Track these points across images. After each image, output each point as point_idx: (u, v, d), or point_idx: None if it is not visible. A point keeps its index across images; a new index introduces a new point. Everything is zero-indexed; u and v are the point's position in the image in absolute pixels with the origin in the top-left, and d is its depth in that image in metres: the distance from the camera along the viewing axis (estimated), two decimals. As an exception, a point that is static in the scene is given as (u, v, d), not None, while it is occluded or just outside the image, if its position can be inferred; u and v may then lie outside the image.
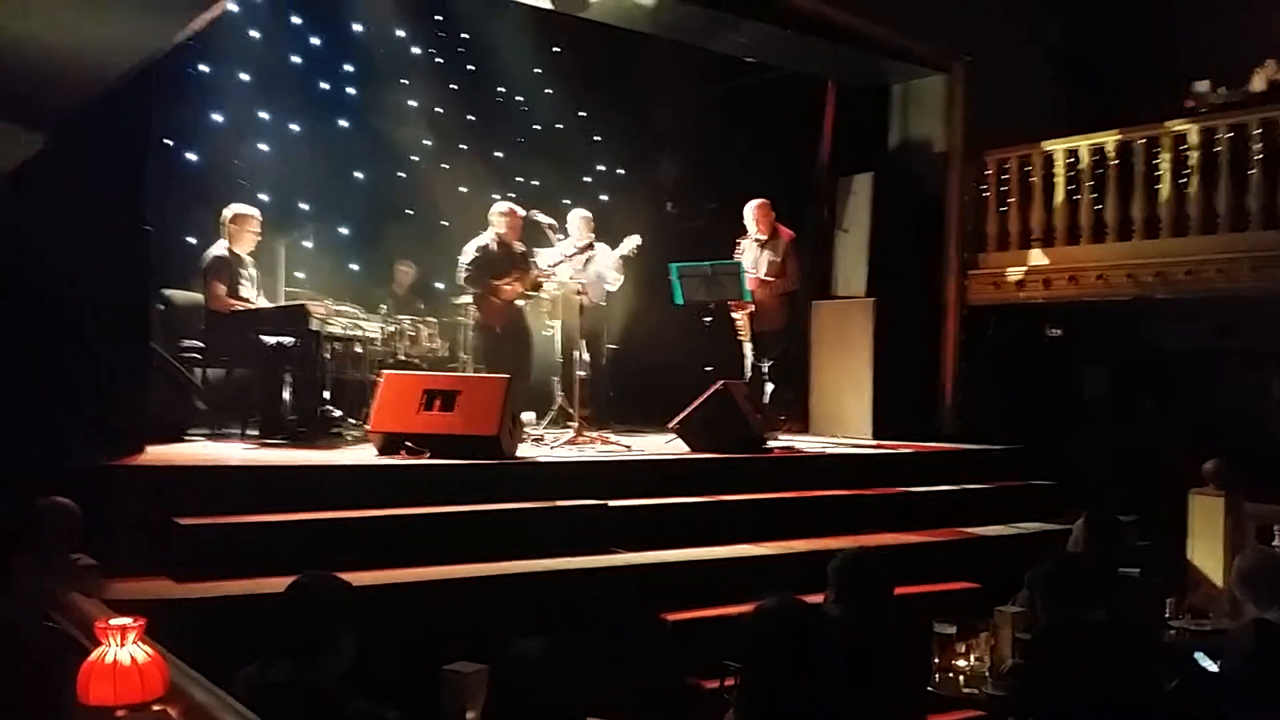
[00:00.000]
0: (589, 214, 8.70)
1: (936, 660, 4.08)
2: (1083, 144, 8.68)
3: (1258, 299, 7.80)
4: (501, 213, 8.04)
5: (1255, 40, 8.97)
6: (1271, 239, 7.57)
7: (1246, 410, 8.52)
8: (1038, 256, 8.93)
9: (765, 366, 8.37)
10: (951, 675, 4.06)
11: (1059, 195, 8.80)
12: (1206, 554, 6.78)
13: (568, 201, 9.68)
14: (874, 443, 8.67)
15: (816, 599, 3.82)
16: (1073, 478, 8.19)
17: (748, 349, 8.41)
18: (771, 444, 7.62)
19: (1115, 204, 8.42)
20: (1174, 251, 8.06)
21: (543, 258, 8.26)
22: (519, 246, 8.10)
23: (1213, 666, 4.06)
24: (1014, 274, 9.02)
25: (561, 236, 8.15)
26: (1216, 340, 8.98)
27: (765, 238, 8.40)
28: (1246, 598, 4.04)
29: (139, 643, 2.73)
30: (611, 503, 5.86)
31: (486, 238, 8.00)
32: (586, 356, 8.34)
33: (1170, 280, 8.04)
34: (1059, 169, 8.82)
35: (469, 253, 7.95)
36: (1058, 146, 8.85)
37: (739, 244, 8.47)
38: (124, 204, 5.48)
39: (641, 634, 5.01)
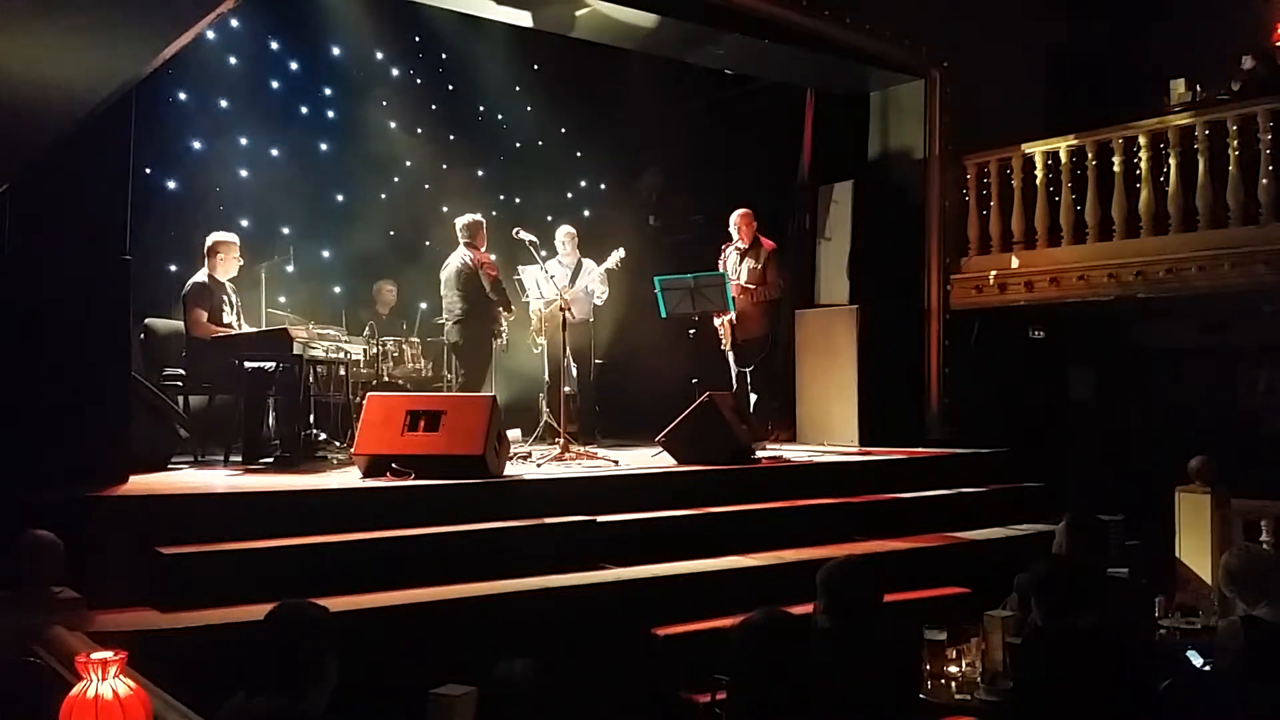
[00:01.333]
0: (574, 230, 8.73)
1: (928, 667, 4.07)
2: (1062, 145, 8.72)
3: (1239, 295, 7.83)
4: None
5: (1232, 39, 9.04)
6: (1251, 235, 7.60)
7: (1231, 406, 8.55)
8: (1019, 259, 8.96)
9: (749, 375, 8.39)
10: (943, 682, 4.05)
11: (1039, 197, 8.84)
12: (1194, 551, 6.78)
13: (550, 218, 9.71)
14: (861, 450, 8.68)
15: (807, 609, 3.81)
16: (1060, 479, 8.20)
17: (730, 358, 8.44)
18: (759, 454, 7.62)
19: (1095, 205, 8.45)
20: (1154, 250, 8.09)
21: (526, 275, 8.29)
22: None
23: (1204, 664, 4.06)
24: (996, 277, 9.04)
25: (545, 253, 8.16)
26: (1200, 337, 9.01)
27: (747, 246, 8.46)
28: (1235, 595, 4.05)
29: (120, 676, 2.71)
30: (599, 518, 5.85)
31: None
32: (575, 372, 8.37)
33: (1151, 279, 8.06)
34: (1039, 171, 8.86)
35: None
36: (1037, 149, 8.89)
37: (724, 250, 8.51)
38: (105, 233, 5.46)
39: (631, 649, 5.00)
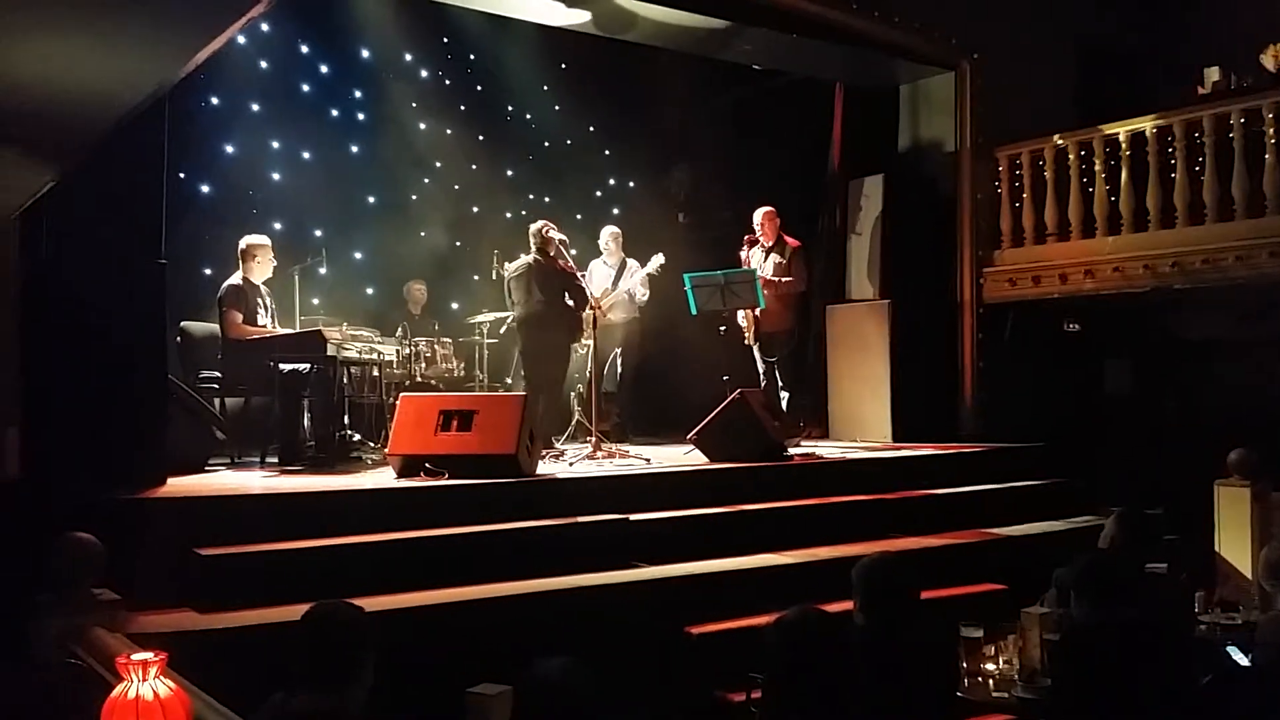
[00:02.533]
0: (618, 230, 8.73)
1: (965, 664, 4.04)
2: (1095, 136, 8.63)
3: (1277, 284, 7.71)
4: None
5: (1266, 24, 8.90)
6: (1288, 224, 7.49)
7: (1270, 398, 8.41)
8: (1053, 251, 8.88)
9: (775, 369, 8.36)
10: (980, 679, 4.02)
11: (1072, 189, 8.74)
12: (1234, 545, 6.70)
13: (580, 216, 9.72)
14: (895, 446, 8.64)
15: (842, 607, 3.79)
16: (1097, 473, 8.12)
17: (755, 351, 8.41)
18: (791, 451, 7.59)
19: (1129, 195, 8.36)
20: (1190, 240, 7.98)
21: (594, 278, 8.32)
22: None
23: (1245, 660, 4.01)
24: (1029, 270, 8.96)
25: (575, 252, 8.16)
26: (1238, 328, 8.89)
27: (771, 244, 8.43)
28: (1275, 589, 4.00)
29: (161, 677, 2.74)
30: (632, 517, 5.85)
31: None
32: (620, 369, 8.38)
33: (1188, 269, 7.96)
34: (1071, 163, 8.76)
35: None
36: (1069, 140, 8.79)
37: (746, 247, 8.46)
38: (140, 237, 5.52)
39: (666, 648, 5.00)
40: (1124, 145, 8.40)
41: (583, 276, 7.84)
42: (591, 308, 7.70)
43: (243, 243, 7.10)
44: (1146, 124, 8.30)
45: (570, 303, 7.66)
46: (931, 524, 6.75)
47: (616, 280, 8.54)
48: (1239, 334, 8.88)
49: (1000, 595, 5.77)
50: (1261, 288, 7.77)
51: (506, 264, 7.95)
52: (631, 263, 8.69)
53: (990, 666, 4.06)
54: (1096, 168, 8.61)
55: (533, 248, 7.74)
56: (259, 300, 7.05)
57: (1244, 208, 7.74)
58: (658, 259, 8.46)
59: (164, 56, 3.67)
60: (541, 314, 7.66)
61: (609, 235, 8.72)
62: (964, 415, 9.24)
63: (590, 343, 8.25)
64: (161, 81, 4.12)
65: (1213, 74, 8.99)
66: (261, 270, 7.09)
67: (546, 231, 7.68)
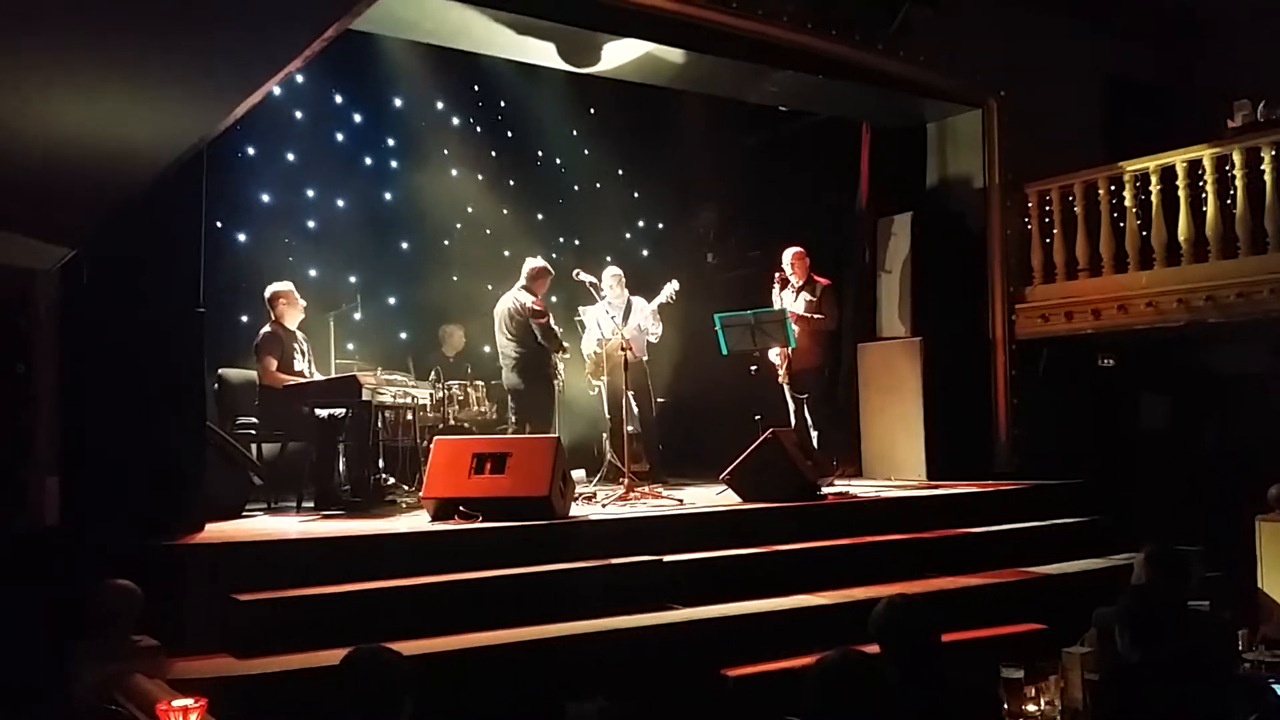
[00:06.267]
0: (620, 271, 8.79)
1: (1006, 706, 3.99)
2: (1125, 171, 8.61)
3: (1314, 317, 7.64)
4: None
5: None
6: (1323, 254, 7.44)
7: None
8: (1085, 287, 8.84)
9: (805, 407, 8.34)
10: (1022, 720, 3.97)
11: (1103, 224, 8.71)
12: (1277, 582, 6.58)
13: (610, 258, 9.80)
14: (929, 484, 8.57)
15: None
16: (1136, 510, 8.01)
17: (785, 389, 8.40)
18: (825, 490, 7.56)
19: (1161, 229, 8.32)
20: (1224, 274, 7.93)
21: (587, 316, 8.36)
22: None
23: (1292, 699, 3.94)
24: (1062, 305, 8.92)
25: (605, 293, 8.22)
26: (1275, 361, 8.79)
27: (801, 283, 8.43)
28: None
29: (201, 722, 2.76)
30: (666, 558, 5.84)
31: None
32: (636, 410, 8.38)
33: (1221, 303, 7.90)
34: (1101, 197, 8.75)
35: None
36: (1099, 175, 8.78)
37: (776, 287, 8.46)
38: (179, 286, 5.62)
39: (702, 691, 4.96)
40: (1154, 179, 8.38)
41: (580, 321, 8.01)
42: (623, 349, 7.75)
43: (267, 291, 7.23)
44: (1176, 158, 8.28)
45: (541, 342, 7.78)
46: (968, 563, 6.68)
47: (625, 319, 8.51)
48: (1277, 368, 8.79)
49: (1040, 635, 5.69)
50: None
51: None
52: (637, 300, 8.69)
53: (1032, 708, 4.00)
54: (1127, 202, 8.58)
55: (515, 287, 7.91)
56: (295, 346, 7.14)
57: (1277, 241, 7.69)
58: (670, 287, 8.43)
59: (203, 112, 3.77)
60: (515, 357, 7.87)
61: (611, 276, 8.71)
62: (998, 452, 9.17)
63: (598, 383, 8.32)
64: (201, 136, 4.22)
65: (1243, 107, 8.97)
66: (291, 316, 7.18)
67: (532, 270, 7.91)
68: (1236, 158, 7.93)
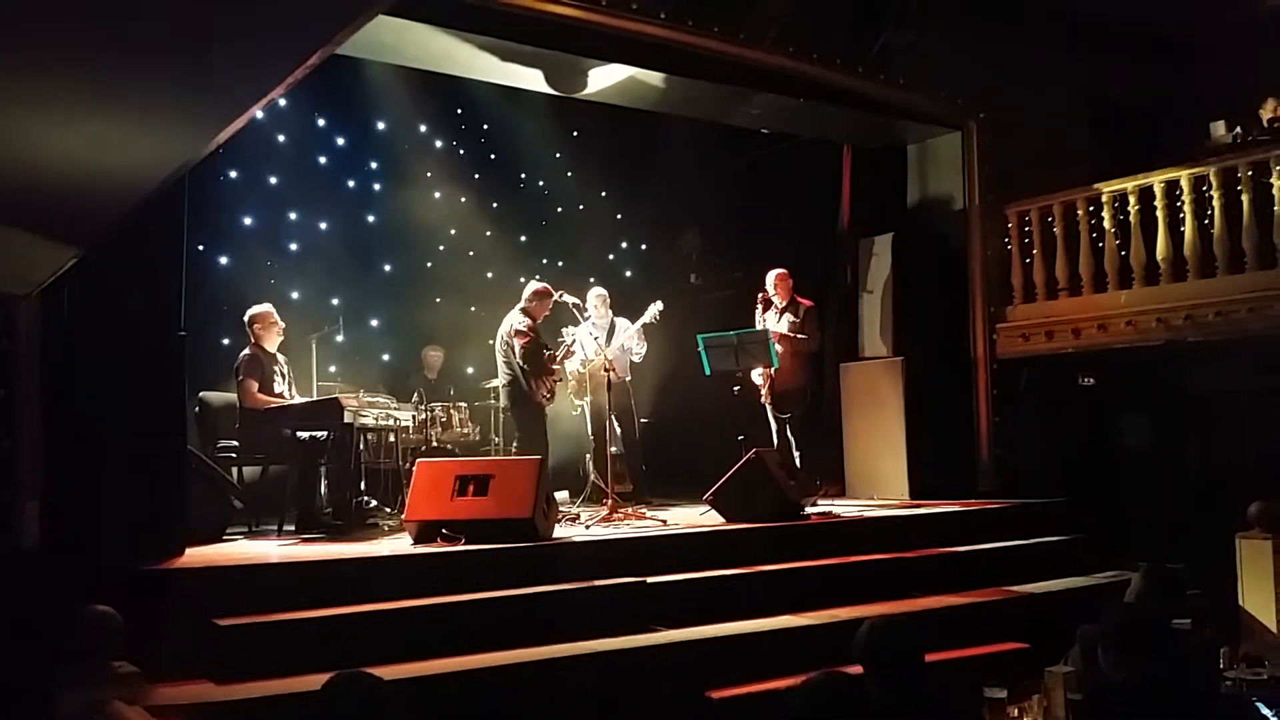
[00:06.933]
0: (604, 292, 8.81)
1: (989, 726, 4.00)
2: (1103, 191, 8.69)
3: (1291, 335, 7.71)
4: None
5: (1273, 77, 9.00)
6: (1299, 273, 7.51)
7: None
8: (1065, 306, 8.91)
9: (788, 427, 8.36)
10: (1005, 740, 3.97)
11: (1083, 244, 8.79)
12: (1258, 600, 6.61)
13: (593, 280, 9.81)
14: (912, 503, 8.59)
15: (864, 669, 3.76)
16: (1116, 528, 8.05)
17: (768, 409, 8.41)
18: (808, 510, 7.57)
19: (1140, 249, 8.40)
20: (1203, 293, 8.01)
21: (570, 336, 8.37)
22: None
23: (1274, 716, 3.96)
24: (1043, 325, 8.99)
25: (588, 315, 8.23)
26: (1255, 380, 8.86)
27: (784, 305, 8.46)
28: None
29: (181, 749, 2.74)
30: (650, 579, 5.83)
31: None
32: (620, 431, 8.38)
33: (1200, 322, 7.98)
34: (1081, 218, 8.83)
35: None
36: (1078, 196, 8.87)
37: (759, 309, 8.49)
38: (161, 310, 5.60)
39: (686, 713, 4.96)
40: (1132, 200, 8.46)
41: (564, 342, 7.98)
42: (605, 369, 7.76)
43: (246, 315, 7.18)
44: (1154, 179, 8.37)
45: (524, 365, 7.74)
46: (951, 582, 6.69)
47: (609, 340, 8.52)
48: (1256, 385, 8.86)
49: (1022, 654, 5.70)
50: (1275, 339, 7.77)
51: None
52: (620, 321, 8.71)
53: (1014, 727, 4.01)
54: (1106, 223, 8.67)
55: (515, 308, 7.92)
56: (275, 369, 7.11)
57: (1255, 259, 7.78)
58: (654, 307, 8.44)
59: (186, 139, 3.76)
60: (505, 379, 7.85)
61: (595, 297, 8.72)
62: (981, 471, 9.21)
63: (581, 403, 8.31)
64: (184, 163, 4.21)
65: (1219, 128, 9.08)
66: (270, 339, 7.13)
67: (531, 292, 7.90)
68: (1214, 178, 8.02)
